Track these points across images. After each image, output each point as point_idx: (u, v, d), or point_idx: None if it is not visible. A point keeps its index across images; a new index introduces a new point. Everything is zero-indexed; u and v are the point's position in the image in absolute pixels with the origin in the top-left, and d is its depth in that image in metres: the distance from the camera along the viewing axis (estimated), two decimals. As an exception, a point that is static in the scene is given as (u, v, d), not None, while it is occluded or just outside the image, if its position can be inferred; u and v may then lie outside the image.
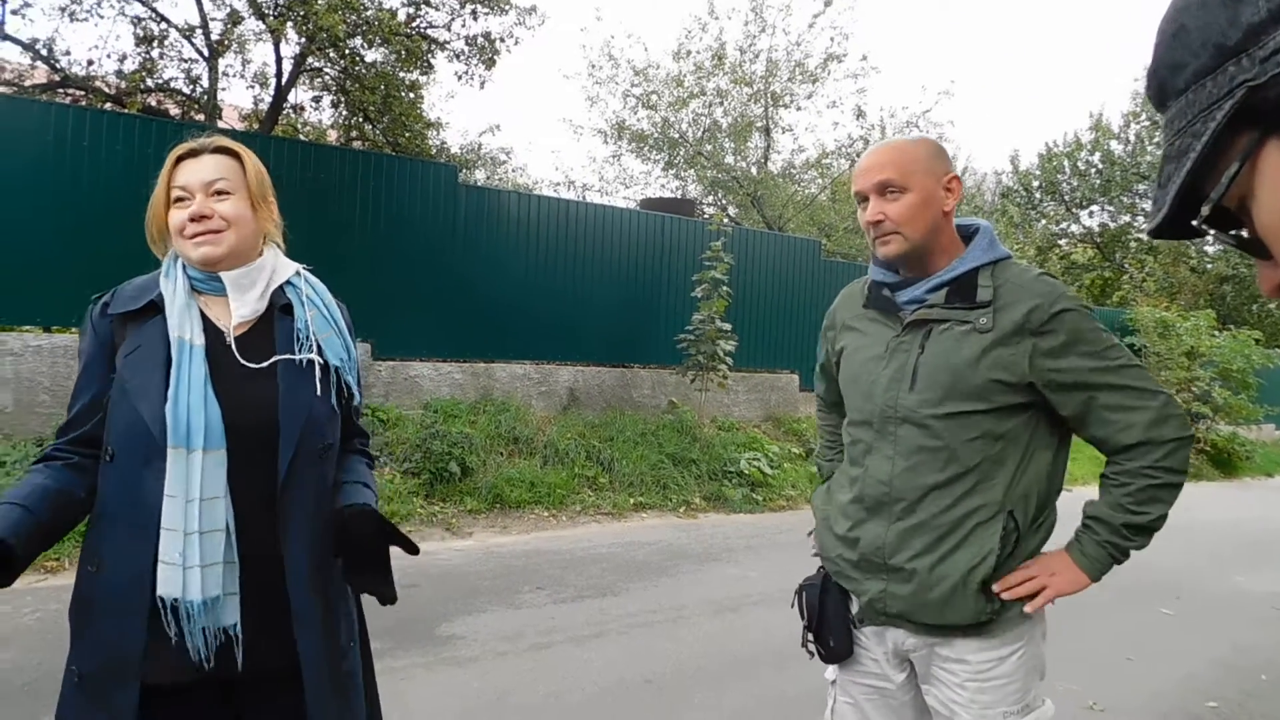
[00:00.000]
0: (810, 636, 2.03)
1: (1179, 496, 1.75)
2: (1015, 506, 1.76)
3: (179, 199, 1.63)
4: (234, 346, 1.63)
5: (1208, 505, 10.64)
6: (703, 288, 9.54)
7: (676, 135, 16.58)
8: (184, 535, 1.49)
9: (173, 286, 1.64)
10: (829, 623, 1.98)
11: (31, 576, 5.02)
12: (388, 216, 8.55)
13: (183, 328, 1.59)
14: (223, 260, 1.64)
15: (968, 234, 1.88)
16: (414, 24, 10.06)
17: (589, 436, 8.92)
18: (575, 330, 9.82)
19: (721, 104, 16.08)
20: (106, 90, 9.71)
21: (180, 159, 1.66)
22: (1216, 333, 15.03)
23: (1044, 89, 65.89)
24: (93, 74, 9.66)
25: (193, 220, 1.60)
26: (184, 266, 1.66)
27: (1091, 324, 1.74)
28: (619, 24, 32.73)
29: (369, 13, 8.77)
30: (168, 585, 1.49)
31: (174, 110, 10.69)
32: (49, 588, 4.87)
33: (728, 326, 9.52)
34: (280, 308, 1.70)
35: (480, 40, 10.45)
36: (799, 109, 16.85)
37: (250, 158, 1.71)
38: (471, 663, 4.21)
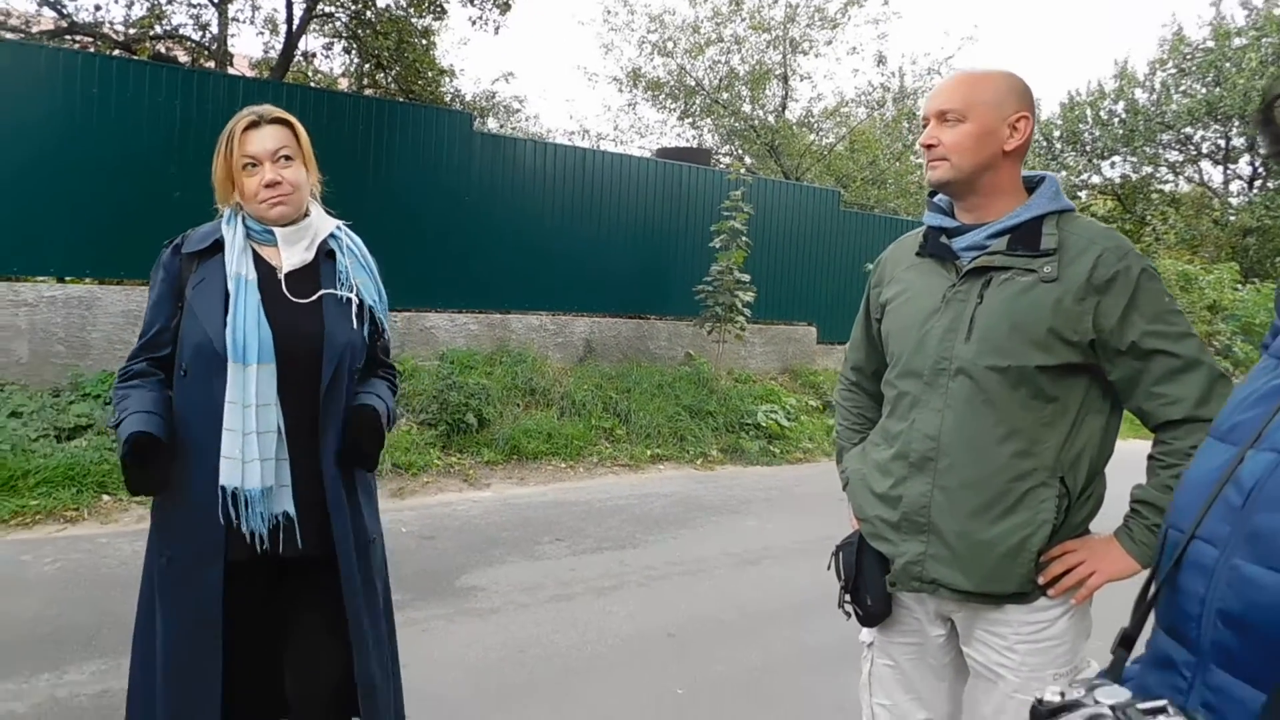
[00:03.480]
0: (847, 597, 1.97)
1: None
2: (1066, 473, 1.69)
3: (248, 165, 1.91)
4: (284, 283, 1.94)
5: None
6: (721, 238, 9.42)
7: (693, 83, 16.28)
8: (242, 435, 1.80)
9: (232, 232, 1.94)
10: (866, 583, 1.92)
11: (51, 526, 5.03)
12: (401, 165, 8.42)
13: (239, 265, 1.89)
14: (291, 216, 1.96)
15: (1032, 185, 1.81)
16: (428, -32, 9.82)
17: (606, 388, 8.87)
18: (592, 281, 9.73)
19: (739, 50, 15.75)
20: (114, 37, 9.54)
21: (245, 129, 1.92)
22: (1239, 286, 14.78)
23: (1069, 35, 64.33)
24: (100, 19, 9.50)
25: (267, 187, 1.90)
26: (243, 219, 1.96)
27: (1157, 285, 1.67)
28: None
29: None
30: (228, 476, 1.81)
31: (183, 57, 10.51)
32: (68, 537, 4.89)
33: (746, 278, 9.41)
34: (325, 254, 2.02)
35: (495, -17, 10.19)
36: (818, 56, 16.53)
37: (300, 126, 2.00)
38: (492, 614, 4.20)
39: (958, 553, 1.72)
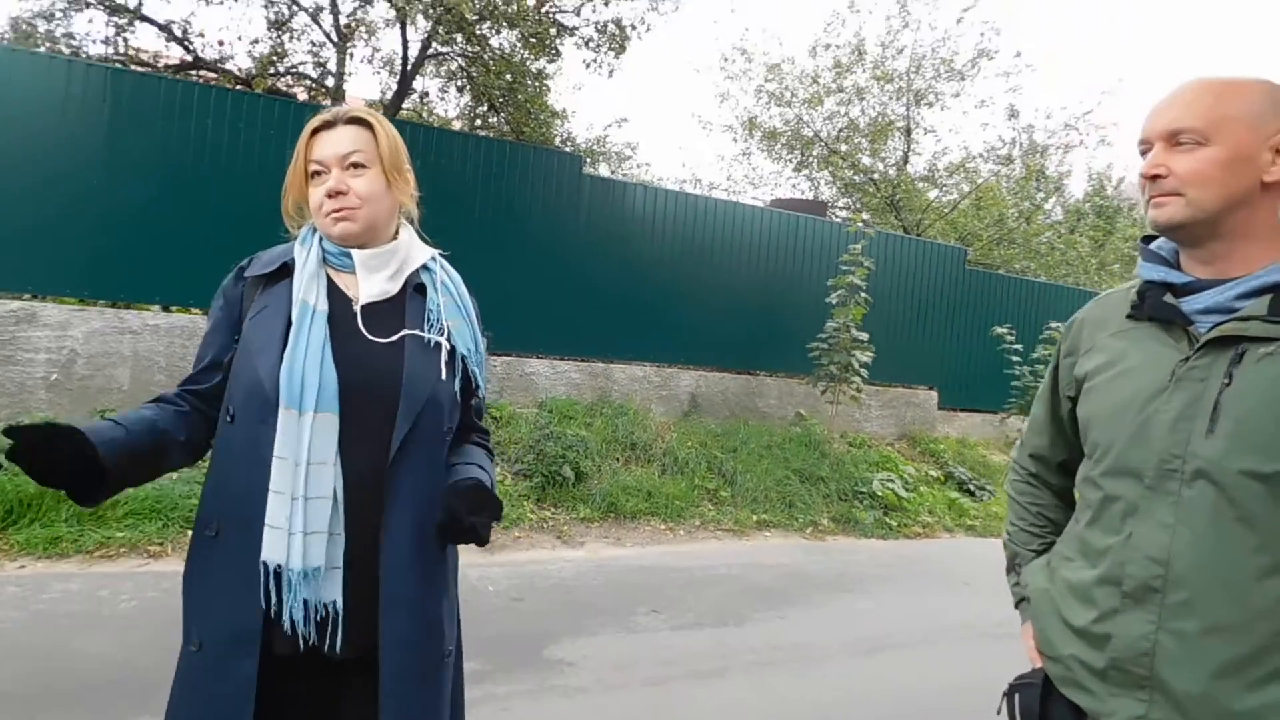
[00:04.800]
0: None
1: None
2: None
3: (315, 173, 1.61)
4: (359, 316, 1.60)
5: None
6: (838, 293, 8.93)
7: (810, 134, 15.90)
8: (290, 499, 1.46)
9: (305, 254, 1.62)
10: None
11: (133, 560, 4.87)
12: (509, 206, 8.28)
13: (308, 292, 1.57)
14: (360, 235, 1.62)
15: None
16: (543, 8, 9.78)
17: (710, 446, 8.42)
18: (699, 333, 9.34)
19: (860, 101, 15.30)
20: (237, 73, 9.82)
21: (315, 131, 1.62)
22: None
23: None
24: (224, 55, 9.81)
25: (329, 196, 1.58)
26: (320, 239, 1.65)
27: None
28: (753, 17, 31.95)
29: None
30: (272, 550, 1.46)
31: (301, 95, 10.77)
32: (149, 573, 4.70)
33: (864, 336, 8.88)
34: (414, 287, 1.68)
35: (610, 26, 10.10)
36: (944, 109, 15.92)
37: (384, 126, 1.66)
38: (580, 694, 3.77)
39: None
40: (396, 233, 1.70)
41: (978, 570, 6.90)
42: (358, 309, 1.61)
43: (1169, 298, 1.39)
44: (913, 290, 10.90)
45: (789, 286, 9.89)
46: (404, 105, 10.86)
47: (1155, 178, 1.35)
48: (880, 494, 8.35)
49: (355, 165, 1.60)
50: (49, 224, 6.37)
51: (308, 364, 1.50)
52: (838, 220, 11.75)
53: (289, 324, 1.54)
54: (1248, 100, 1.31)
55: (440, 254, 1.77)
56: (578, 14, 10.38)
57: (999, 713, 1.62)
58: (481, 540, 1.55)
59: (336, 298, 1.61)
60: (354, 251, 1.63)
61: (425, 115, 11.73)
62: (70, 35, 9.48)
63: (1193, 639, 1.27)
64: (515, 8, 8.68)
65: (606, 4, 10.05)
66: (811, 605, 5.49)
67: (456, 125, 11.82)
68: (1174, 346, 1.36)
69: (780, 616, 5.18)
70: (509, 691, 3.70)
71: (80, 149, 6.49)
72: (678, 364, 9.29)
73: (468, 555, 5.78)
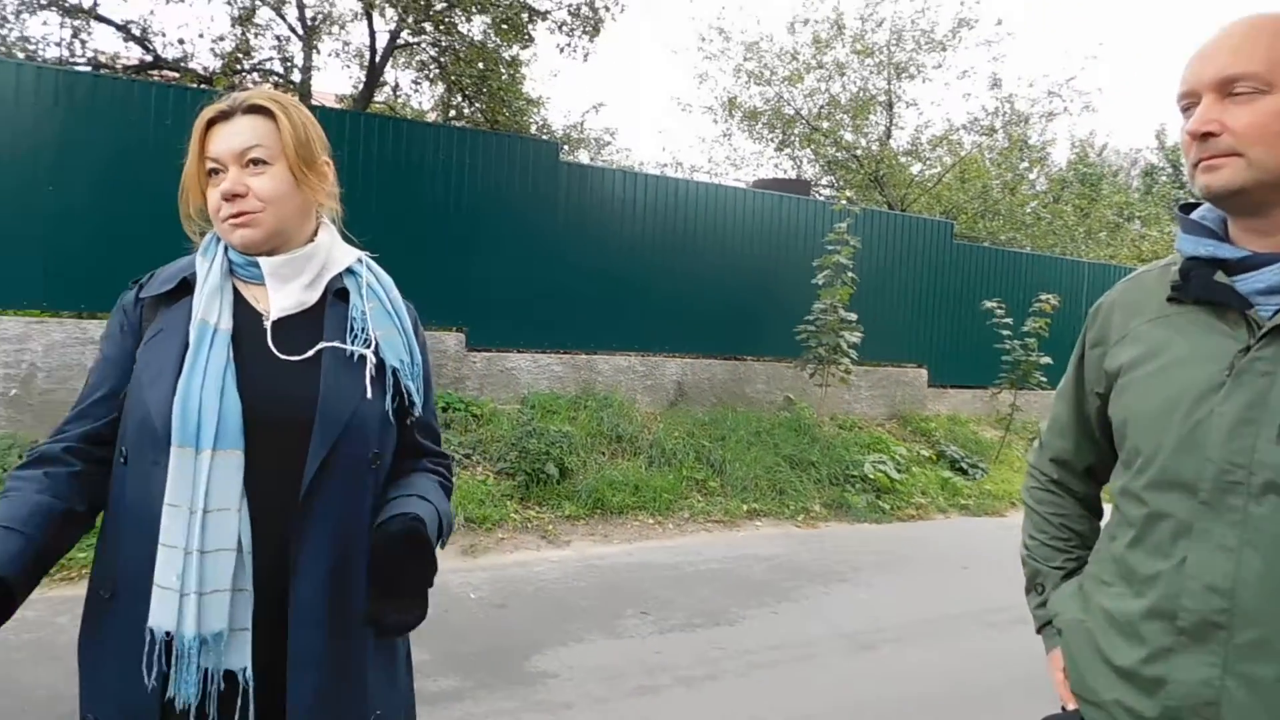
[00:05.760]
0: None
1: None
2: None
3: (212, 171, 1.40)
4: (269, 333, 1.39)
5: None
6: (824, 274, 8.75)
7: (791, 112, 15.66)
8: (183, 554, 1.25)
9: (208, 266, 1.41)
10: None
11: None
12: (484, 197, 8.03)
13: (209, 310, 1.36)
14: (265, 243, 1.41)
15: None
16: (515, -8, 9.52)
17: (698, 435, 8.24)
18: (684, 320, 9.13)
19: (840, 77, 15.06)
20: (200, 72, 9.54)
21: (211, 123, 1.41)
22: None
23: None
24: (186, 54, 9.53)
25: (225, 200, 1.37)
26: (225, 247, 1.44)
27: None
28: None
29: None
30: (161, 614, 1.26)
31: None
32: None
33: (852, 316, 8.70)
34: (335, 293, 1.46)
35: (583, 8, 9.82)
36: (926, 81, 15.71)
37: (291, 113, 1.42)
38: (565, 710, 3.60)
39: None
40: (315, 234, 1.48)
41: (974, 551, 6.76)
42: (268, 324, 1.40)
43: (1220, 276, 1.18)
44: (900, 267, 10.71)
45: (775, 268, 9.68)
46: (376, 99, 10.58)
47: (1206, 136, 1.14)
48: (872, 477, 8.19)
49: (255, 161, 1.38)
50: (2, 232, 6.11)
51: (205, 393, 1.29)
52: (822, 199, 11.55)
53: (185, 348, 1.34)
54: None
55: (367, 255, 1.55)
56: (550, -3, 10.07)
57: None
58: (403, 624, 1.36)
59: (245, 313, 1.40)
60: (261, 260, 1.41)
61: (399, 108, 11.44)
62: (25, 39, 9.19)
63: (1269, 687, 1.08)
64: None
65: (579, -15, 9.77)
66: (805, 598, 5.33)
67: (431, 117, 11.54)
68: (1229, 334, 1.16)
69: (773, 612, 5.02)
70: (488, 711, 3.52)
71: (34, 154, 6.22)
72: (663, 352, 9.09)
73: (449, 561, 5.59)
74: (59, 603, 4.35)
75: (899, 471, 8.47)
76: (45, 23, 9.42)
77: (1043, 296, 9.92)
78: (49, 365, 6.15)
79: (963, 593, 5.60)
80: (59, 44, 9.21)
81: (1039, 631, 1.51)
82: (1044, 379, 9.69)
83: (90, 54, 9.30)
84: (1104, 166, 19.74)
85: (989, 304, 9.85)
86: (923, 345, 10.93)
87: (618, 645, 4.36)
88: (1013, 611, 4.52)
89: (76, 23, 9.20)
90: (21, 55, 8.92)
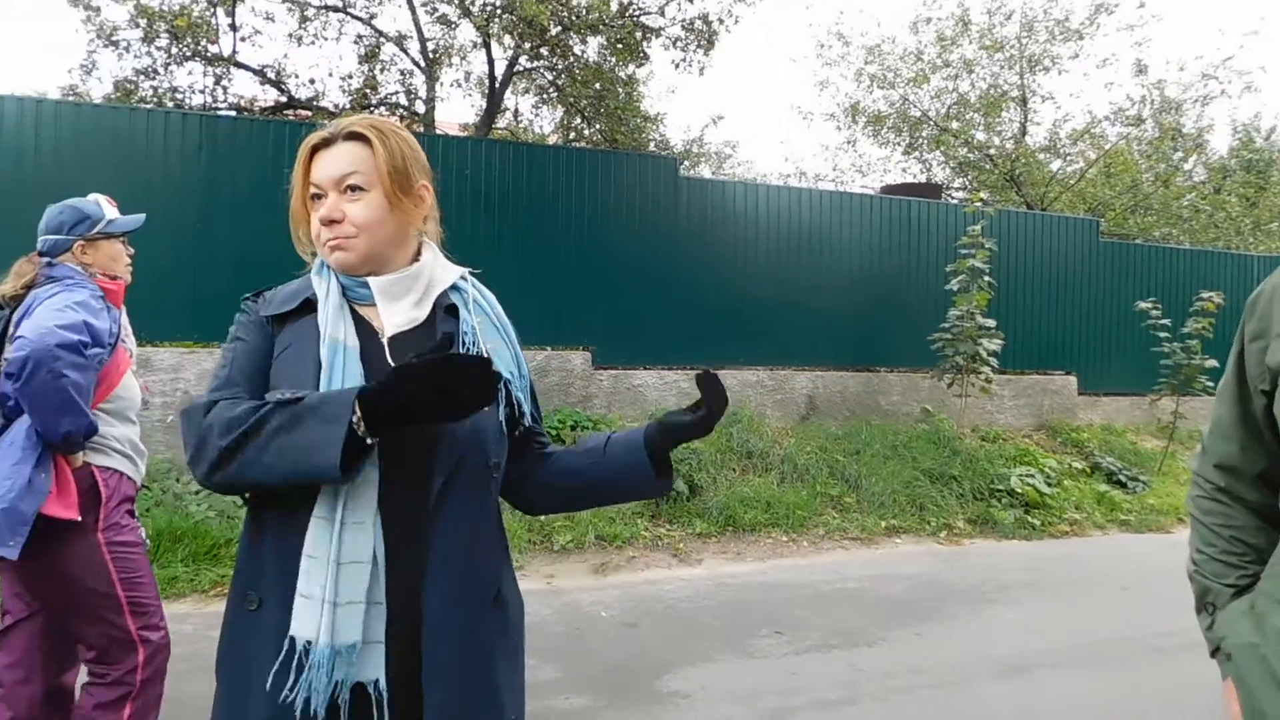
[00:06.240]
0: None
1: None
2: None
3: (315, 195, 1.44)
4: (387, 350, 1.43)
5: None
6: (959, 279, 8.37)
7: (918, 114, 15.16)
8: (327, 564, 1.28)
9: (325, 286, 1.45)
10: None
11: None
12: (606, 215, 8.11)
13: (335, 327, 1.40)
14: (360, 266, 1.45)
15: None
16: (627, 12, 9.58)
17: (831, 450, 8.00)
18: (813, 331, 8.92)
19: (969, 74, 14.49)
20: (332, 109, 10.05)
21: (315, 149, 1.45)
22: None
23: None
24: (318, 93, 10.07)
25: (323, 225, 1.42)
26: (335, 271, 1.48)
27: None
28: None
29: (577, 2, 8.39)
30: (303, 623, 1.27)
31: (395, 124, 10.96)
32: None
33: (991, 323, 8.28)
34: (444, 309, 1.50)
35: (697, 23, 9.80)
36: (1062, 73, 14.93)
37: (386, 141, 1.44)
38: (696, 731, 3.49)
39: None
40: (418, 254, 1.52)
41: (1136, 570, 6.26)
42: (385, 341, 1.44)
43: None
44: (1042, 269, 10.15)
45: (906, 276, 9.36)
46: (498, 125, 10.87)
47: None
48: (1019, 491, 7.74)
49: (352, 188, 1.42)
50: (157, 271, 6.55)
51: None
52: (954, 202, 11.10)
53: (319, 365, 1.37)
54: None
55: (471, 272, 1.58)
56: (662, 14, 10.16)
57: None
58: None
59: (364, 331, 1.44)
60: (370, 280, 1.45)
61: (520, 133, 11.74)
62: (174, 89, 9.92)
63: None
64: (597, 14, 8.51)
65: (691, 1, 9.79)
66: (949, 619, 5.04)
67: (551, 140, 11.79)
68: None
69: (915, 634, 4.77)
70: (620, 731, 3.46)
71: (182, 197, 6.68)
72: (792, 365, 8.90)
73: (579, 580, 5.60)
74: (214, 617, 4.57)
75: (1049, 485, 7.97)
76: (190, 72, 10.21)
77: (1204, 295, 9.18)
78: (200, 392, 6.53)
79: (1124, 615, 5.17)
80: (203, 91, 9.93)
81: (1213, 655, 1.33)
82: (1210, 383, 8.92)
83: (231, 99, 9.97)
84: (1273, 151, 18.15)
85: (1143, 305, 9.20)
86: (1070, 351, 10.31)
87: (751, 665, 4.23)
88: (1184, 636, 4.13)
89: (218, 70, 9.88)
90: (171, 104, 9.62)
